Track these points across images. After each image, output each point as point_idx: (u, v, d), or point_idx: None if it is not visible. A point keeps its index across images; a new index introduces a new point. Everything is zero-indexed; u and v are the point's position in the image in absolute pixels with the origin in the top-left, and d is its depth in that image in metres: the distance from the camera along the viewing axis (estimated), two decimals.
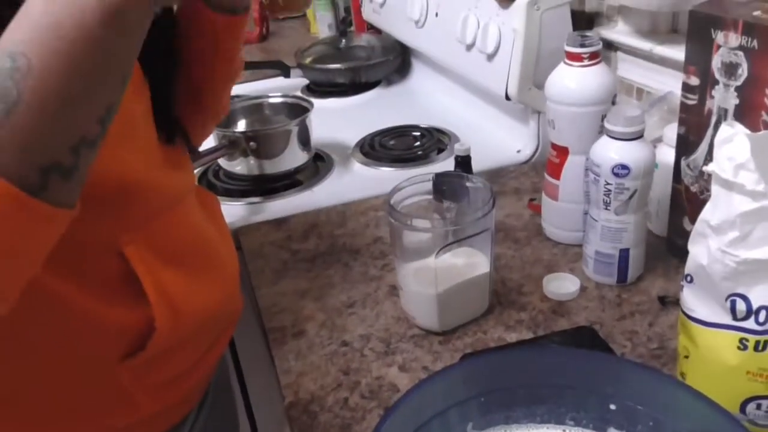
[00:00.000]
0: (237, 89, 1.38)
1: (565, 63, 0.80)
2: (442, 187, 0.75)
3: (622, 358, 0.63)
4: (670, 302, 0.75)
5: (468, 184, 0.75)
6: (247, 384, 0.90)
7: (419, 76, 1.53)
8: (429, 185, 0.76)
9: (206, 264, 0.61)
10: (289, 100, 1.21)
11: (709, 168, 0.51)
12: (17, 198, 0.34)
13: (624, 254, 0.77)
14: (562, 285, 0.78)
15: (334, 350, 0.73)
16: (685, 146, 0.77)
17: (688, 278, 0.56)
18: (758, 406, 0.55)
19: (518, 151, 1.14)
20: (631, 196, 0.74)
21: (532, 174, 1.08)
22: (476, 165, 0.94)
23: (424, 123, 1.28)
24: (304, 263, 0.89)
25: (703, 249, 0.53)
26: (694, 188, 0.77)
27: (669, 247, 0.84)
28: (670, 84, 0.97)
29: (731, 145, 0.50)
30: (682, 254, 0.58)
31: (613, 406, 0.54)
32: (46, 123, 0.35)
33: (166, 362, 0.55)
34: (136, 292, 0.52)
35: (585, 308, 0.76)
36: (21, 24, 0.35)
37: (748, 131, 0.51)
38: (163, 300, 0.53)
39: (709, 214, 0.53)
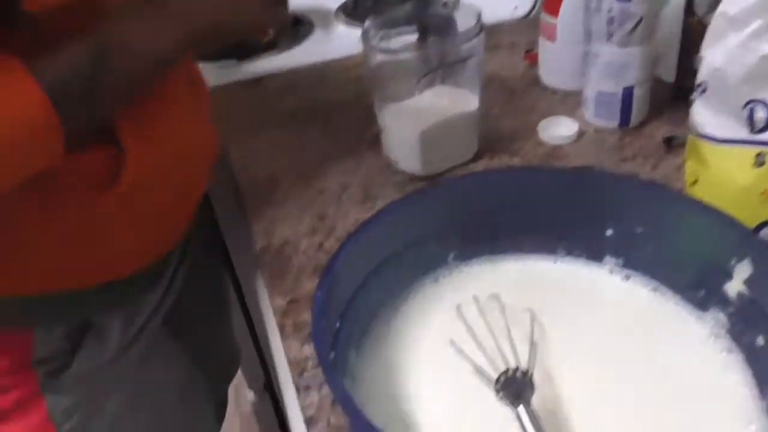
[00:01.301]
0: None
1: None
2: (425, 17, 0.67)
3: (620, 175, 0.57)
4: (677, 144, 0.68)
5: (453, 13, 0.67)
6: (225, 239, 0.86)
7: None
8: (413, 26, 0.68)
9: (178, 95, 0.54)
10: None
11: None
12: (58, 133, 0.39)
13: (627, 93, 0.70)
14: (559, 129, 0.71)
15: (310, 198, 0.67)
16: None
17: (701, 88, 0.49)
18: None
19: (515, 8, 1.05)
20: (636, 25, 0.66)
21: (529, 31, 0.98)
22: None
23: None
24: (282, 120, 0.82)
25: (720, 49, 0.46)
26: (708, 20, 0.69)
27: (676, 93, 0.76)
28: None
29: None
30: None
31: (609, 231, 0.49)
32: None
33: (143, 197, 0.50)
34: (109, 130, 0.46)
35: (583, 153, 0.70)
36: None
37: None
38: (134, 139, 0.47)
39: (727, 3, 0.45)
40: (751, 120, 0.47)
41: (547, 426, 0.37)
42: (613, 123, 0.72)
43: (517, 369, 0.39)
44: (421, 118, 0.64)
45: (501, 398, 0.39)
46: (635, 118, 0.72)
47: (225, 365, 0.80)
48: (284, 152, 0.75)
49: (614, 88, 0.69)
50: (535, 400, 0.39)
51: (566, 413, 0.40)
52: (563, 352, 0.44)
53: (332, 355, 0.39)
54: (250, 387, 1.22)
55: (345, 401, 0.33)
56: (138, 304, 0.55)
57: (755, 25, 0.44)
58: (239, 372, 1.20)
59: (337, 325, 0.42)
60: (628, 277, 0.49)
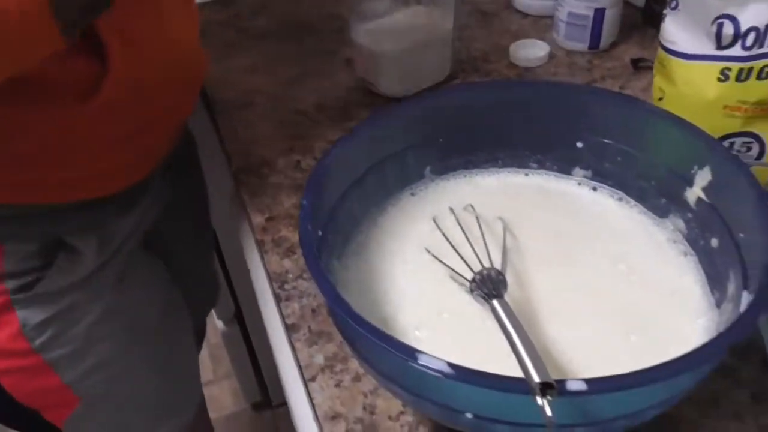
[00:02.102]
0: None
1: None
2: None
3: (591, 87, 0.58)
4: (644, 66, 0.70)
5: None
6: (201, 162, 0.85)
7: None
8: None
9: (167, 11, 0.52)
10: None
11: None
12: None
13: (599, 15, 0.71)
14: (531, 51, 0.72)
15: (285, 118, 0.68)
16: None
17: (673, 4, 0.50)
18: (731, 145, 0.52)
19: None
20: None
21: None
22: None
23: None
24: (253, 41, 0.81)
25: None
26: None
27: (646, 17, 0.78)
28: None
29: None
30: (660, 23, 0.52)
31: (580, 144, 0.51)
32: None
33: (125, 113, 0.49)
34: (93, 34, 0.45)
35: (554, 74, 0.71)
36: None
37: None
38: (118, 42, 0.46)
39: None
40: (719, 36, 0.48)
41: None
42: (584, 45, 0.73)
43: (490, 268, 0.41)
44: (396, 38, 0.64)
45: (476, 296, 0.41)
46: (605, 40, 0.73)
47: (206, 292, 0.81)
48: (258, 73, 0.75)
49: (586, 10, 0.70)
50: (507, 299, 0.42)
51: (536, 310, 0.43)
52: (534, 257, 0.47)
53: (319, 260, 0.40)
54: (219, 317, 1.23)
55: (330, 295, 0.35)
56: (115, 225, 0.55)
57: None
58: None
59: (320, 233, 0.43)
60: (595, 189, 0.51)
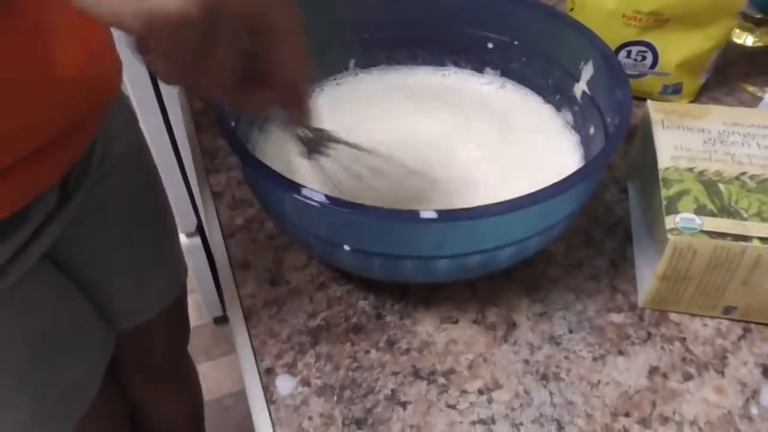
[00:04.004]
0: None
1: None
2: None
3: None
4: None
5: None
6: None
7: None
8: None
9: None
10: None
11: None
12: None
13: None
14: None
15: None
16: None
17: None
18: (628, 54, 0.57)
19: None
20: None
21: None
22: None
23: None
24: None
25: None
26: None
27: None
28: None
29: None
30: None
31: (491, 45, 0.55)
32: None
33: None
34: None
35: None
36: None
37: None
38: None
39: None
40: None
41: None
42: None
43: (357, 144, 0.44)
44: None
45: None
46: None
47: (165, 280, 0.72)
48: None
49: None
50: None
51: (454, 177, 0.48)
52: (450, 141, 0.52)
53: (237, 129, 0.44)
54: (182, 231, 1.26)
55: (234, 142, 0.40)
56: None
57: None
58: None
59: None
60: (504, 86, 0.56)
